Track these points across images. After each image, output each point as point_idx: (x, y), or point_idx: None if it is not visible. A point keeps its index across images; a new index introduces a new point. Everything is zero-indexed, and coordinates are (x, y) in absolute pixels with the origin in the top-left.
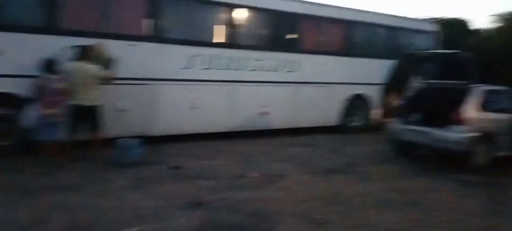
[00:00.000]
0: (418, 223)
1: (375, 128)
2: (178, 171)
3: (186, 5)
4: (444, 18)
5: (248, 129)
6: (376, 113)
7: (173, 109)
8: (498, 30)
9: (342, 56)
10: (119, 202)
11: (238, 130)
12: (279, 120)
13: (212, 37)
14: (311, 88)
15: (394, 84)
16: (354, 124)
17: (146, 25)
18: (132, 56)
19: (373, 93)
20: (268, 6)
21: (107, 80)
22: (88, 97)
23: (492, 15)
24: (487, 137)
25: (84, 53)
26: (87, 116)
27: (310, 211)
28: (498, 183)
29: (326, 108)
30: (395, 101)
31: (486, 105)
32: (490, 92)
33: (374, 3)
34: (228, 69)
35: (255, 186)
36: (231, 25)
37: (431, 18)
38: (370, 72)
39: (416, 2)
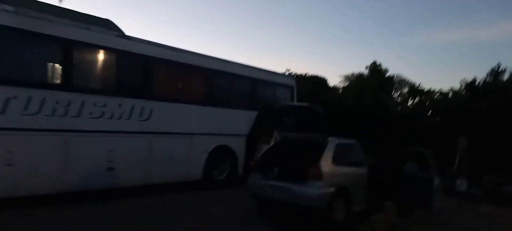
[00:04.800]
0: None
1: (241, 181)
2: None
3: (3, 35)
4: (304, 74)
5: (87, 189)
6: (242, 165)
7: None
8: (348, 88)
9: (204, 105)
10: None
11: (73, 190)
12: (128, 176)
13: (38, 77)
14: (169, 139)
15: (256, 135)
16: (219, 177)
17: None
18: None
19: (238, 145)
20: (114, 46)
21: None
22: None
23: (343, 75)
24: (342, 192)
25: None
26: None
27: None
28: None
29: (186, 162)
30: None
31: (339, 159)
32: (342, 145)
33: (231, 54)
34: (59, 115)
35: None
36: (66, 63)
37: (290, 73)
38: (234, 123)
39: (272, 57)
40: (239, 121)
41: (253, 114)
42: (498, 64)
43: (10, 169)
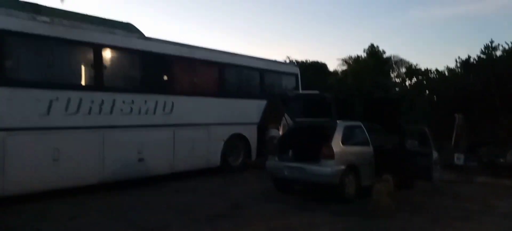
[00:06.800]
0: None
1: (255, 166)
2: None
3: (43, 44)
4: (305, 61)
5: (122, 178)
6: (254, 151)
7: (29, 163)
8: (347, 72)
9: (218, 97)
10: None
11: (110, 180)
12: (156, 165)
13: (75, 79)
14: (190, 130)
15: (267, 123)
16: (235, 163)
17: None
18: None
19: (250, 132)
20: (138, 47)
21: None
22: None
23: (340, 59)
24: (352, 169)
25: None
26: None
27: None
28: (368, 212)
29: (206, 150)
30: (272, 139)
31: (347, 140)
32: (349, 127)
33: (228, 46)
34: (95, 114)
35: None
36: (97, 66)
37: (293, 61)
38: (246, 112)
39: (271, 46)
40: (250, 110)
41: (262, 103)
42: (491, 40)
43: (58, 163)
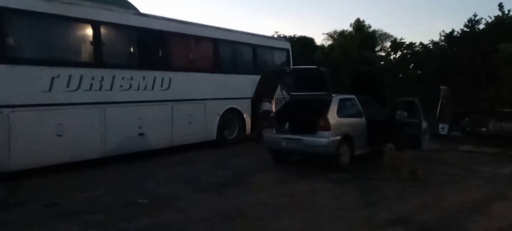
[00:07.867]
0: (311, 224)
1: (250, 139)
2: (56, 208)
3: (43, 22)
4: (293, 35)
5: (123, 152)
6: (249, 125)
7: (33, 139)
8: (333, 47)
9: (214, 73)
10: None
11: (111, 155)
12: (156, 140)
13: (76, 56)
14: (187, 105)
15: (260, 97)
16: (230, 137)
17: None
18: None
19: (244, 107)
20: (135, 23)
21: None
22: None
23: (326, 33)
24: (347, 139)
25: None
26: None
27: (213, 229)
28: (362, 178)
29: (202, 124)
30: (265, 112)
31: (342, 112)
32: (344, 100)
33: (217, 21)
34: (95, 90)
35: (148, 212)
36: (96, 43)
37: (283, 36)
38: (240, 87)
39: (258, 20)
40: (244, 84)
41: (256, 78)
42: (474, 14)
43: (62, 139)
